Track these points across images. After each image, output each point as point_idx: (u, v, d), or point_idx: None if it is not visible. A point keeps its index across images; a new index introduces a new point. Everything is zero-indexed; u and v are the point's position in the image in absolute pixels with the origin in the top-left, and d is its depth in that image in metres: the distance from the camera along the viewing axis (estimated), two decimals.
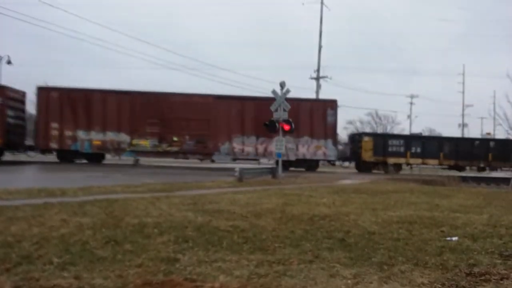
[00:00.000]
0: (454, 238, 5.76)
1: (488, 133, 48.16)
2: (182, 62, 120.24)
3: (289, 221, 6.76)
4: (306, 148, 24.70)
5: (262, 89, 67.86)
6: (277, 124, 19.26)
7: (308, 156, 24.69)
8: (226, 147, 24.44)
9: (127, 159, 25.45)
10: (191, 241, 5.10)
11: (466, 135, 50.75)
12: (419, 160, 26.73)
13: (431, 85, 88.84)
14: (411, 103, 58.96)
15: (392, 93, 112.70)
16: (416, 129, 53.18)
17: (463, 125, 56.62)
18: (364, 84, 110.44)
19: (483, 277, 4.03)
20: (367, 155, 26.06)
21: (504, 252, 5.07)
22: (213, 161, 26.14)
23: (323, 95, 35.75)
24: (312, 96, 37.55)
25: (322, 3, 38.55)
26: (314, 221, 6.82)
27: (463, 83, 56.88)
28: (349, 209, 8.24)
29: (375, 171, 26.30)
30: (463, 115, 57.24)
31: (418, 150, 26.37)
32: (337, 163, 29.23)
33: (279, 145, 19.03)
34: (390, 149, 26.22)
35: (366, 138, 26.83)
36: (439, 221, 7.16)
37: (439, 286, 3.77)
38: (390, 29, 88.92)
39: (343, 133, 50.04)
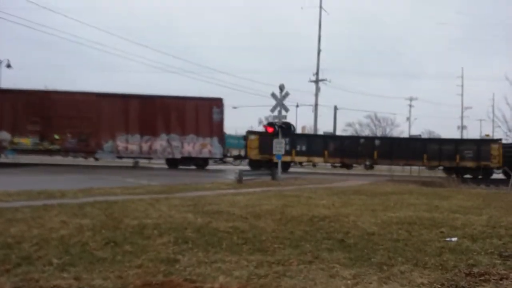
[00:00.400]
0: (454, 239, 5.77)
1: (487, 135, 48.16)
2: (181, 65, 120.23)
3: (289, 222, 6.76)
4: (191, 146, 24.53)
5: (262, 92, 68.07)
6: (276, 127, 19.31)
7: (193, 154, 24.56)
8: (109, 145, 24.07)
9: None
10: (190, 242, 5.10)
11: (465, 137, 50.78)
12: (305, 158, 26.77)
13: (430, 88, 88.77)
14: (410, 106, 59.05)
15: (391, 96, 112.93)
16: (416, 131, 53.04)
17: (462, 127, 56.69)
18: (363, 87, 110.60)
19: (482, 278, 4.04)
20: (253, 153, 25.95)
21: (503, 252, 5.08)
22: (96, 159, 26.01)
23: (322, 98, 35.98)
24: (312, 99, 37.71)
25: (320, 7, 38.68)
26: (314, 222, 6.82)
27: (462, 85, 56.95)
28: (348, 210, 8.24)
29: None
30: (462, 118, 57.31)
31: (304, 148, 26.38)
32: (230, 161, 29.16)
33: (279, 147, 19.06)
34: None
35: (252, 137, 26.55)
36: (439, 222, 7.17)
37: (439, 286, 3.78)
38: (389, 33, 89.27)
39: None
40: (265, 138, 26.02)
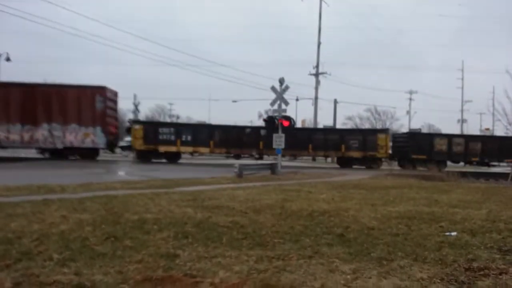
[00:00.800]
0: (453, 233, 5.78)
1: (487, 129, 48.16)
2: (181, 58, 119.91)
3: (289, 217, 6.77)
4: (74, 136, 24.09)
5: (261, 85, 67.97)
6: (276, 120, 19.29)
7: (76, 144, 24.14)
8: None
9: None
10: (190, 237, 5.11)
11: (465, 131, 50.81)
12: (190, 148, 26.73)
13: (430, 81, 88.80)
14: (410, 99, 59.03)
15: (391, 89, 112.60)
16: (416, 124, 53.11)
17: (462, 121, 56.67)
18: (364, 80, 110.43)
19: (482, 272, 4.05)
20: (138, 143, 25.64)
21: (503, 247, 5.09)
22: None
23: (322, 92, 35.96)
24: (312, 92, 37.65)
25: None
26: (314, 216, 6.83)
27: (462, 79, 56.90)
28: (348, 205, 8.25)
29: (155, 160, 25.84)
30: (462, 111, 57.30)
31: (189, 138, 26.21)
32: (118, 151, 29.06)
33: (279, 141, 19.05)
34: (160, 137, 25.85)
35: (136, 126, 26.07)
36: (438, 216, 7.18)
37: (438, 281, 3.79)
38: (390, 26, 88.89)
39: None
40: (150, 128, 26.19)
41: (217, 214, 6.75)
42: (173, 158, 26.18)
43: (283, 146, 19.13)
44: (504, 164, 27.11)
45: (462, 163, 28.28)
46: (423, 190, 12.03)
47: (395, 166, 26.42)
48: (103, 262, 4.03)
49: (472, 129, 57.29)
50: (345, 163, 26.67)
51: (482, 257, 4.59)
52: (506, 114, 24.07)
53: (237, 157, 28.24)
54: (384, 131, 28.95)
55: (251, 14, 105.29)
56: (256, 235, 5.36)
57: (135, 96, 47.80)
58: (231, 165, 17.67)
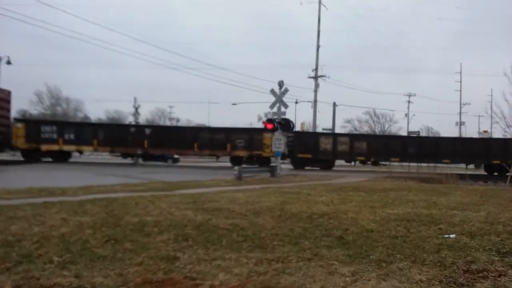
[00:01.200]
0: (452, 236, 5.80)
1: (485, 131, 48.25)
2: (182, 61, 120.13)
3: (288, 219, 6.78)
4: None
5: (261, 88, 68.05)
6: (275, 123, 19.31)
7: None
8: None
9: None
10: (190, 240, 5.12)
11: (464, 134, 50.89)
12: (73, 147, 26.51)
13: (429, 84, 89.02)
14: (408, 102, 59.01)
15: (390, 91, 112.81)
16: (414, 127, 53.15)
17: (461, 123, 56.69)
18: (363, 83, 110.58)
19: (480, 274, 4.07)
20: (20, 142, 25.25)
21: (501, 249, 5.11)
22: None
23: (321, 95, 36.00)
24: (311, 95, 37.69)
25: (320, 2, 38.59)
26: (313, 219, 6.85)
27: (461, 81, 56.86)
28: (347, 207, 8.27)
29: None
30: (460, 113, 57.29)
31: (72, 136, 25.99)
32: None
33: (278, 143, 19.06)
34: (43, 135, 25.54)
35: (18, 125, 25.70)
36: (437, 218, 7.20)
37: (437, 283, 3.80)
38: (389, 28, 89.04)
39: (342, 132, 50.10)
40: (32, 126, 25.79)
41: (217, 217, 6.76)
42: (58, 157, 25.63)
43: (282, 149, 19.15)
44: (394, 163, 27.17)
45: (354, 163, 28.26)
46: (422, 192, 12.05)
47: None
48: (103, 264, 4.04)
49: (471, 131, 57.30)
50: (236, 162, 26.27)
51: (481, 259, 4.61)
52: (504, 116, 24.17)
53: (125, 156, 27.72)
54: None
55: (251, 17, 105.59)
56: (256, 238, 5.37)
57: (135, 99, 47.87)
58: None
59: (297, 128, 38.71)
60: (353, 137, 27.69)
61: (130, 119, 50.72)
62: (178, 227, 5.85)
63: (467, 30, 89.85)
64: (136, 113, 48.02)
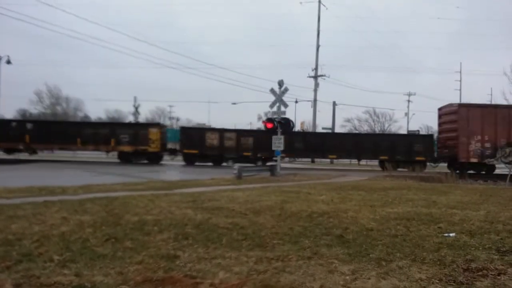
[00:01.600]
0: (452, 234, 5.81)
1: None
2: (182, 61, 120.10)
3: (288, 218, 6.79)
4: None
5: (261, 87, 68.08)
6: (275, 122, 19.32)
7: None
8: None
9: None
10: (191, 238, 5.13)
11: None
12: None
13: (428, 83, 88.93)
14: (408, 101, 58.97)
15: (389, 91, 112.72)
16: (414, 126, 53.09)
17: None
18: (362, 82, 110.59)
19: (480, 273, 4.08)
20: None
21: (501, 248, 5.12)
22: None
23: (321, 94, 36.07)
24: (311, 94, 37.70)
25: (319, 2, 38.58)
26: (313, 218, 6.85)
27: (460, 80, 56.88)
28: (347, 206, 8.28)
29: None
30: None
31: None
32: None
33: (278, 143, 19.07)
34: None
35: None
36: (437, 217, 7.20)
37: (437, 281, 3.81)
38: (388, 28, 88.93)
39: (342, 131, 50.11)
40: None
41: (217, 216, 6.77)
42: None
43: (282, 148, 19.15)
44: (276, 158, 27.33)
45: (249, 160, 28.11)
46: (422, 191, 12.05)
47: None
48: (103, 263, 4.05)
49: None
50: (123, 157, 26.51)
51: (481, 258, 4.62)
52: None
53: (8, 151, 27.26)
54: (156, 125, 28.42)
55: (251, 17, 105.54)
56: (256, 236, 5.38)
57: (135, 98, 47.87)
58: None
59: (297, 128, 38.79)
60: (240, 133, 27.45)
61: (130, 118, 50.66)
62: (178, 226, 5.86)
63: (466, 30, 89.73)
64: (136, 112, 48.06)
